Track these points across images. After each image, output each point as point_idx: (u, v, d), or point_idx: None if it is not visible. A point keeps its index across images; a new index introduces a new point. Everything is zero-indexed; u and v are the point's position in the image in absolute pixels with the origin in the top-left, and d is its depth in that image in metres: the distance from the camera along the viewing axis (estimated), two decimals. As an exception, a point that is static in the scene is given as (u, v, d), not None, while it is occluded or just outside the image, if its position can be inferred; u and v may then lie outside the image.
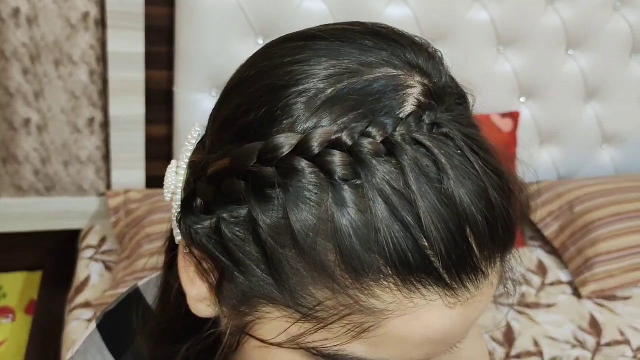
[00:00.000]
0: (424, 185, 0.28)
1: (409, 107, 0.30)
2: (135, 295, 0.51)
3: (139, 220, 1.37)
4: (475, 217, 0.29)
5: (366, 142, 0.29)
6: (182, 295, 0.39)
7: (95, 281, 1.34)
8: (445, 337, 0.31)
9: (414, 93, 0.31)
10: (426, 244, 0.28)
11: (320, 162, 0.29)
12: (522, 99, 1.70)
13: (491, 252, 0.30)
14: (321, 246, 0.29)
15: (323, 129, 0.29)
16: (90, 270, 1.37)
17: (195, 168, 0.35)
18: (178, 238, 0.37)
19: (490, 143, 0.32)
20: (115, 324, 0.50)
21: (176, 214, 0.37)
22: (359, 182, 0.28)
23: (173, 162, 0.38)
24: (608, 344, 1.28)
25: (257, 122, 0.32)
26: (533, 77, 1.66)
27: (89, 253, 1.43)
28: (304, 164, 0.29)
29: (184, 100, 1.42)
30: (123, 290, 1.17)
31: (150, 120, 1.44)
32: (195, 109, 1.42)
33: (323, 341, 0.31)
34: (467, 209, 0.28)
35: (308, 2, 1.41)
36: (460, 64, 1.37)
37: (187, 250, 0.36)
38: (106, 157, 1.52)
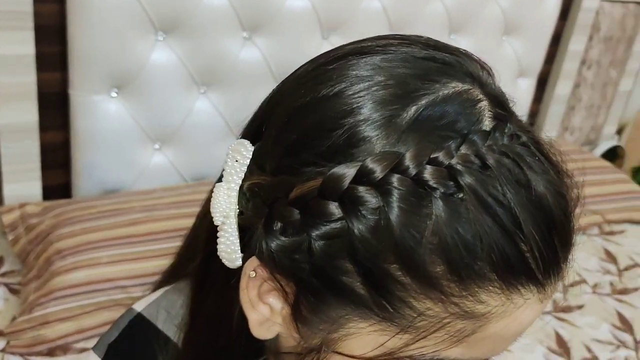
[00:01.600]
0: (518, 193, 0.30)
1: (487, 121, 0.32)
2: (139, 321, 0.49)
3: (43, 235, 1.27)
4: (559, 218, 0.31)
5: (461, 159, 0.30)
6: (239, 319, 0.38)
7: (0, 307, 1.23)
8: (523, 332, 0.34)
9: (486, 106, 0.33)
10: (525, 247, 0.30)
11: (420, 180, 0.30)
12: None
13: (568, 248, 0.33)
14: (428, 259, 0.30)
15: (418, 147, 0.30)
16: (-9, 295, 1.25)
17: (265, 191, 0.34)
18: (237, 262, 0.36)
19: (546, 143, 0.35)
20: (121, 355, 0.48)
21: (232, 237, 0.36)
22: (460, 195, 0.30)
23: (221, 185, 0.37)
24: None
25: (340, 145, 0.32)
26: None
27: (-15, 277, 1.30)
28: (406, 182, 0.30)
29: (80, 103, 1.32)
30: (40, 313, 1.10)
31: (44, 126, 1.33)
32: (93, 111, 1.33)
33: (420, 349, 0.32)
34: (554, 210, 0.31)
35: (208, -5, 1.37)
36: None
37: (255, 274, 0.35)
38: (-5, 170, 1.38)
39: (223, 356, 0.41)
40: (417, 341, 0.32)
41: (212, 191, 0.47)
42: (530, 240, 0.30)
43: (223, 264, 0.39)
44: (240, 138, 0.40)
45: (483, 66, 0.36)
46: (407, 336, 0.33)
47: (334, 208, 0.31)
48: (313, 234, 0.32)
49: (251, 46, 1.48)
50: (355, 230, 0.30)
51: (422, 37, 0.38)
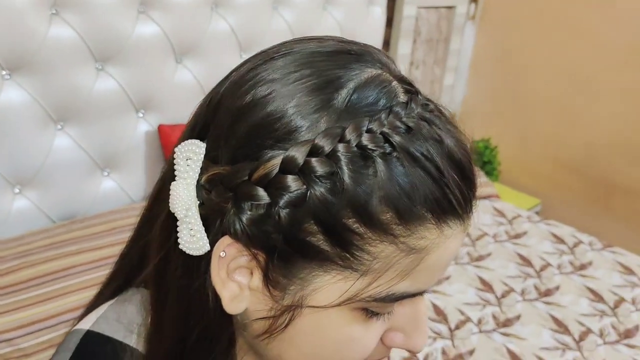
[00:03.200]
0: (436, 148, 0.38)
1: (402, 96, 0.40)
2: (91, 338, 0.50)
3: None
4: (467, 165, 0.40)
5: (390, 126, 0.38)
6: (204, 304, 0.42)
7: None
8: (453, 260, 0.43)
9: (397, 85, 0.41)
10: (449, 190, 0.38)
11: (361, 146, 0.37)
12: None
13: (475, 188, 0.42)
14: (379, 209, 0.37)
15: (355, 122, 0.37)
16: None
17: (226, 179, 0.39)
18: (205, 248, 0.40)
19: None
20: None
21: (196, 226, 0.40)
22: (394, 154, 0.37)
23: (177, 183, 0.41)
24: None
25: (288, 130, 0.38)
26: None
27: None
28: (351, 149, 0.37)
29: None
30: None
31: None
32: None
33: (376, 289, 0.39)
34: (463, 159, 0.40)
35: (55, 30, 1.34)
36: (210, 71, 1.53)
37: (225, 254, 0.40)
38: None
39: (196, 345, 0.44)
40: (374, 281, 0.39)
41: (147, 209, 0.51)
42: (451, 184, 0.38)
43: (181, 259, 0.43)
44: (183, 141, 0.43)
45: (386, 55, 0.44)
46: (366, 279, 0.39)
47: (295, 180, 0.37)
48: (280, 204, 0.37)
49: (105, 76, 1.47)
50: (317, 195, 0.37)
51: (332, 36, 0.45)
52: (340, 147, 0.37)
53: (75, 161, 1.47)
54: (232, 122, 0.40)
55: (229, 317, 0.43)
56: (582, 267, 1.75)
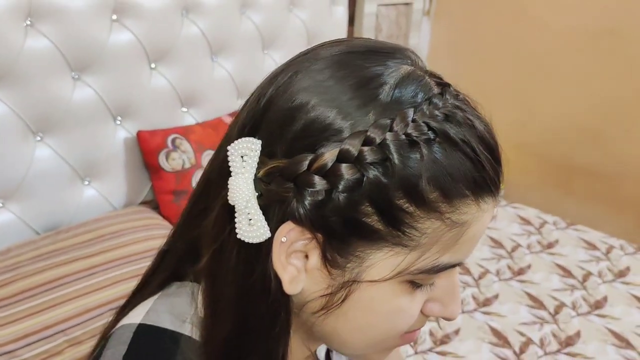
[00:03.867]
0: (470, 132, 0.44)
1: (435, 89, 0.45)
2: (145, 330, 0.52)
3: None
4: (496, 147, 0.46)
5: (430, 115, 0.43)
6: (262, 287, 0.46)
7: None
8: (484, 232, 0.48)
9: (429, 79, 0.46)
10: (484, 170, 0.44)
11: (408, 135, 0.42)
12: (240, 99, 1.91)
13: (502, 168, 0.47)
14: (426, 189, 0.42)
15: (401, 114, 0.42)
16: None
17: (285, 171, 0.43)
18: (266, 235, 0.44)
19: None
20: None
21: (256, 215, 0.44)
22: (437, 139, 0.42)
23: (235, 178, 0.45)
24: None
25: (339, 126, 0.42)
26: (244, 78, 1.88)
27: None
28: (399, 138, 0.41)
29: None
30: None
31: None
32: None
33: (424, 261, 0.44)
34: (491, 142, 0.45)
35: (31, 41, 1.34)
36: (184, 75, 1.56)
37: (286, 239, 0.44)
38: None
39: (256, 327, 0.48)
40: (422, 255, 0.44)
41: (192, 205, 0.54)
42: (485, 164, 0.44)
43: (237, 248, 0.47)
44: (234, 139, 0.47)
45: (412, 52, 0.49)
46: (415, 253, 0.44)
47: (351, 167, 0.41)
48: (339, 189, 0.42)
49: (82, 85, 1.47)
50: (371, 179, 0.41)
51: (360, 37, 0.50)
52: (390, 136, 0.42)
53: (56, 171, 1.47)
54: (284, 121, 0.44)
55: (288, 298, 0.48)
56: (550, 245, 1.85)
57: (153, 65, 1.62)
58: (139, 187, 1.67)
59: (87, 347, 1.18)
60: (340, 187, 0.42)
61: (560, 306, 1.54)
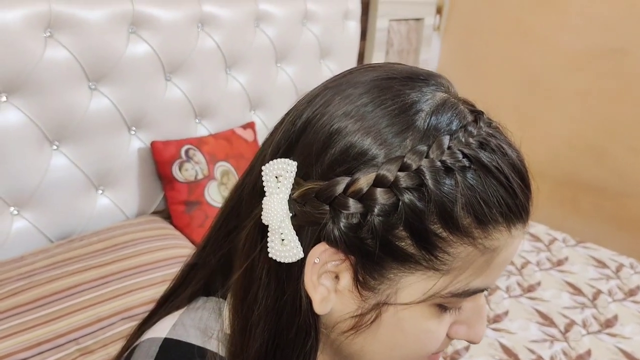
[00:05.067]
0: (502, 160, 0.44)
1: (469, 117, 0.46)
2: (171, 344, 0.53)
3: None
4: (526, 174, 0.46)
5: (465, 143, 0.43)
6: (293, 307, 0.47)
7: None
8: (513, 257, 0.49)
9: (462, 107, 0.47)
10: (516, 196, 0.44)
11: (444, 162, 0.42)
12: (253, 111, 1.92)
13: (532, 195, 0.48)
14: (460, 215, 0.43)
15: (437, 142, 0.43)
16: None
17: (320, 193, 0.43)
18: (299, 255, 0.45)
19: None
20: None
21: (289, 235, 0.45)
22: (472, 167, 0.43)
23: (270, 199, 0.45)
24: None
25: (374, 153, 0.43)
26: (257, 91, 1.89)
27: None
28: (435, 164, 0.42)
29: None
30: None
31: None
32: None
33: (455, 285, 0.45)
34: (522, 170, 0.46)
35: (50, 51, 1.36)
36: (198, 87, 1.57)
37: (318, 260, 0.45)
38: None
39: (286, 345, 0.49)
40: (454, 279, 0.45)
41: (222, 223, 0.55)
42: (517, 190, 0.44)
43: (267, 267, 0.47)
44: (271, 159, 0.47)
45: (445, 78, 0.50)
46: (448, 277, 0.45)
47: (387, 192, 0.42)
48: (375, 212, 0.42)
49: (99, 96, 1.49)
50: (407, 204, 0.42)
51: (394, 63, 0.50)
52: (426, 162, 0.42)
53: (70, 180, 1.48)
54: (321, 145, 0.45)
55: (317, 317, 0.48)
56: (559, 263, 1.85)
57: (168, 77, 1.64)
58: (152, 197, 1.68)
59: (99, 356, 1.18)
60: (376, 210, 0.43)
61: (571, 324, 1.54)
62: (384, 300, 0.46)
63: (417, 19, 2.56)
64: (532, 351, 1.43)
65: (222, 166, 1.69)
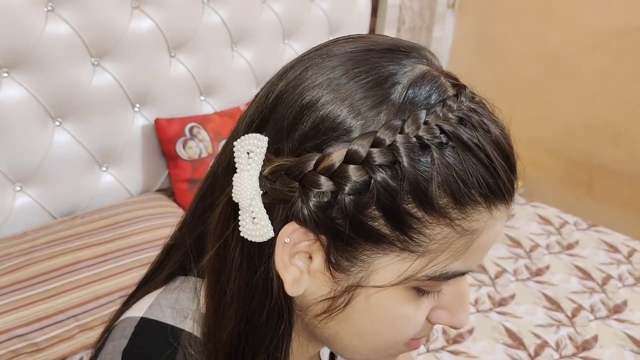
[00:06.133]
0: (484, 136, 0.42)
1: (450, 91, 0.43)
2: (146, 324, 0.52)
3: None
4: (510, 152, 0.44)
5: (443, 118, 0.41)
6: (265, 288, 0.45)
7: None
8: (497, 240, 0.46)
9: (444, 80, 0.44)
10: (498, 176, 0.42)
11: (419, 138, 0.40)
12: (259, 89, 1.90)
13: (516, 174, 0.45)
14: (436, 194, 0.40)
15: (412, 116, 0.40)
16: None
17: (291, 170, 0.41)
18: (269, 234, 0.43)
19: None
20: (141, 359, 0.51)
21: (260, 214, 0.43)
22: (449, 143, 0.40)
23: (240, 175, 0.43)
24: None
25: (348, 126, 0.41)
26: (264, 68, 1.87)
27: None
28: (410, 140, 0.40)
29: None
30: None
31: None
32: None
33: (432, 268, 0.43)
34: (506, 147, 0.43)
35: (51, 26, 1.34)
36: (203, 64, 1.54)
37: (289, 240, 0.43)
38: None
39: (258, 327, 0.47)
40: (430, 262, 0.42)
41: (198, 201, 0.53)
42: (499, 170, 0.42)
43: (240, 246, 0.46)
44: (240, 135, 0.45)
45: (429, 52, 0.47)
46: (423, 260, 0.42)
47: (359, 169, 0.40)
48: (345, 191, 0.40)
49: (101, 72, 1.47)
50: (379, 182, 0.39)
51: (378, 34, 0.48)
52: (400, 138, 0.40)
53: (74, 157, 1.48)
54: (293, 119, 0.43)
55: (290, 299, 0.46)
56: (570, 246, 1.81)
57: (173, 53, 1.61)
58: (156, 175, 1.67)
59: (98, 332, 1.18)
60: (347, 189, 0.40)
61: (578, 309, 1.51)
62: (357, 282, 0.44)
63: (431, -4, 2.50)
64: (537, 336, 1.41)
65: (226, 144, 1.67)
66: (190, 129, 1.61)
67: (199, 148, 1.62)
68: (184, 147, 1.60)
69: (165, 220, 1.46)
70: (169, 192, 1.67)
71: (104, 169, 1.56)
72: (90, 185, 1.53)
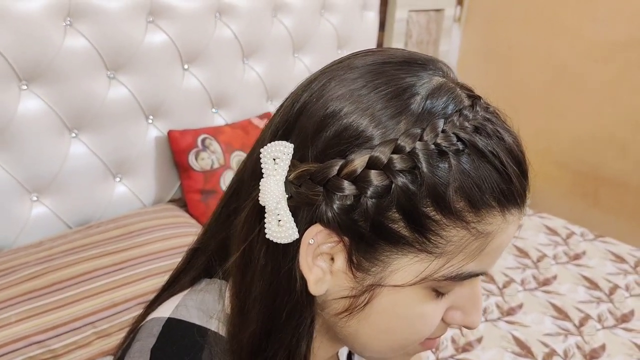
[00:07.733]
0: (498, 145, 0.44)
1: (466, 101, 0.46)
2: (174, 324, 0.54)
3: None
4: (523, 159, 0.46)
5: (460, 127, 0.43)
6: (288, 287, 0.47)
7: None
8: (510, 243, 0.49)
9: (460, 91, 0.46)
10: (511, 182, 0.44)
11: (437, 145, 0.42)
12: (270, 101, 1.93)
13: (528, 180, 0.48)
14: (453, 199, 0.43)
15: (431, 125, 0.43)
16: None
17: (315, 175, 0.44)
18: (294, 236, 0.45)
19: None
20: (168, 357, 0.53)
21: (286, 217, 0.45)
22: (466, 151, 0.43)
23: (267, 180, 0.46)
24: None
25: (370, 135, 0.43)
26: (274, 81, 1.90)
27: None
28: (428, 147, 0.42)
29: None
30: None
31: None
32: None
33: (449, 269, 0.45)
34: (519, 154, 0.46)
35: (69, 40, 1.38)
36: (215, 76, 1.57)
37: (313, 241, 0.45)
38: None
39: (282, 325, 0.49)
40: (447, 263, 0.45)
41: (223, 206, 0.56)
42: (512, 176, 0.44)
43: (265, 248, 0.48)
44: (266, 143, 0.48)
45: (444, 64, 0.50)
46: (440, 260, 0.45)
47: (380, 174, 0.42)
48: (367, 195, 0.43)
49: (117, 84, 1.51)
50: (399, 186, 0.42)
51: (396, 48, 0.51)
52: (420, 145, 0.42)
53: (89, 167, 1.51)
54: (317, 127, 0.45)
55: (312, 298, 0.49)
56: (577, 257, 1.83)
57: (186, 67, 1.65)
58: (168, 185, 1.70)
59: (115, 339, 1.21)
60: (369, 192, 0.43)
61: (586, 318, 1.53)
62: (377, 282, 0.46)
63: (437, 10, 2.54)
64: (545, 344, 1.42)
65: (238, 156, 1.70)
66: (203, 141, 1.65)
67: (210, 159, 1.65)
68: (196, 158, 1.63)
69: (177, 230, 1.48)
70: (181, 202, 1.70)
71: (118, 179, 1.59)
72: (104, 196, 1.56)
